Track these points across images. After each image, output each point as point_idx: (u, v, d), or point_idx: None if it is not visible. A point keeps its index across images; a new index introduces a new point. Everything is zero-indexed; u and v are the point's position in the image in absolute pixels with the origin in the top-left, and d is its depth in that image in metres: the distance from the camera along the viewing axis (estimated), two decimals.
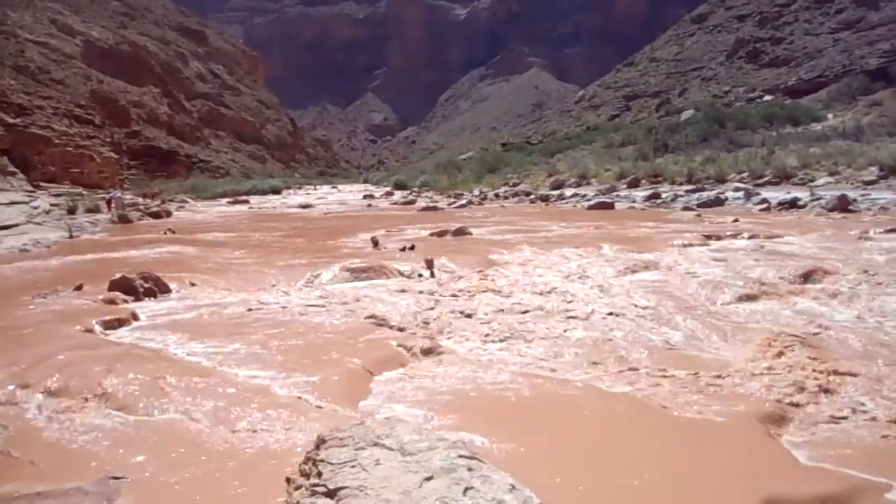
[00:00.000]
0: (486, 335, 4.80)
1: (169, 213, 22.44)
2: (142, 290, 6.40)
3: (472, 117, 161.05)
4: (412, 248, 9.80)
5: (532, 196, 24.58)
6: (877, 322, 5.02)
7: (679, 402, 3.44)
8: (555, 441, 2.96)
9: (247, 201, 33.71)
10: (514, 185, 29.77)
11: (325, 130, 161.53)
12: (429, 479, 1.96)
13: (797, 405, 3.48)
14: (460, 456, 2.10)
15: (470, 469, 2.03)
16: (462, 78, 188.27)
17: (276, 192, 45.03)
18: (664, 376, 3.85)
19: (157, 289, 6.57)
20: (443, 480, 1.95)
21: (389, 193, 37.77)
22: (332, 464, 2.11)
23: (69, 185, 27.63)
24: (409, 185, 41.90)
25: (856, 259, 7.52)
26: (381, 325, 5.10)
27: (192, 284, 7.05)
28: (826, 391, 3.64)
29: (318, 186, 60.02)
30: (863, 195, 14.61)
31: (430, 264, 7.86)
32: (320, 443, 2.28)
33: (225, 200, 34.72)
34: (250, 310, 5.71)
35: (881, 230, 9.89)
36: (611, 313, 5.41)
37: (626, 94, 68.68)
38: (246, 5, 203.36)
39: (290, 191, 49.21)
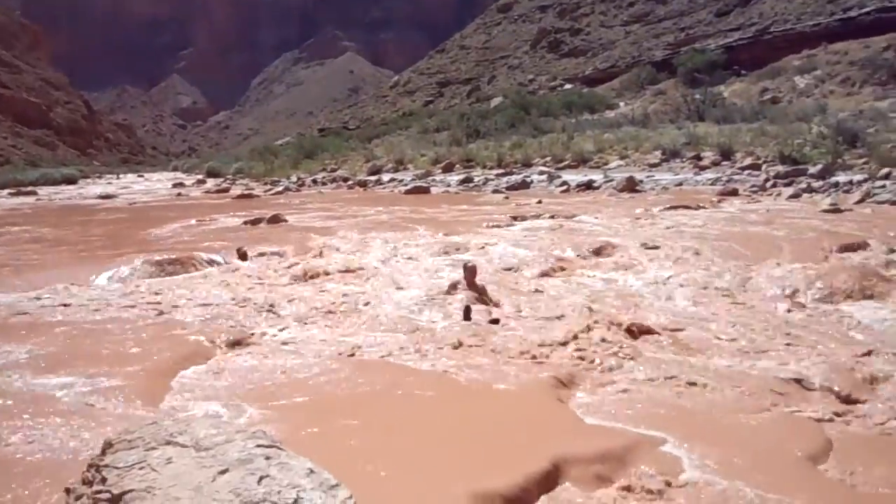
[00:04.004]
0: (296, 322, 4.74)
1: None
2: None
3: (288, 102, 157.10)
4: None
5: (350, 181, 24.49)
6: (656, 290, 5.62)
7: (480, 376, 3.62)
8: (360, 420, 3.01)
9: (34, 192, 30.37)
10: (332, 170, 29.52)
11: (127, 114, 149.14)
12: (223, 472, 1.91)
13: (584, 370, 3.80)
14: (258, 446, 2.07)
15: (268, 458, 2.00)
16: (275, 61, 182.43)
17: (72, 181, 40.98)
18: (466, 350, 4.03)
19: None
20: (238, 472, 1.91)
21: (202, 181, 35.82)
22: (117, 468, 1.98)
23: None
24: (223, 173, 40.03)
25: (639, 234, 8.34)
26: (184, 319, 4.85)
27: None
28: (611, 356, 4.00)
29: (121, 175, 55.61)
30: (648, 176, 16.15)
31: (242, 255, 7.60)
32: (107, 447, 2.14)
33: (6, 192, 31.01)
34: (36, 311, 5.18)
35: (661, 208, 11.04)
36: (419, 294, 5.56)
37: (439, 81, 70.29)
38: None
39: (89, 180, 45.13)
